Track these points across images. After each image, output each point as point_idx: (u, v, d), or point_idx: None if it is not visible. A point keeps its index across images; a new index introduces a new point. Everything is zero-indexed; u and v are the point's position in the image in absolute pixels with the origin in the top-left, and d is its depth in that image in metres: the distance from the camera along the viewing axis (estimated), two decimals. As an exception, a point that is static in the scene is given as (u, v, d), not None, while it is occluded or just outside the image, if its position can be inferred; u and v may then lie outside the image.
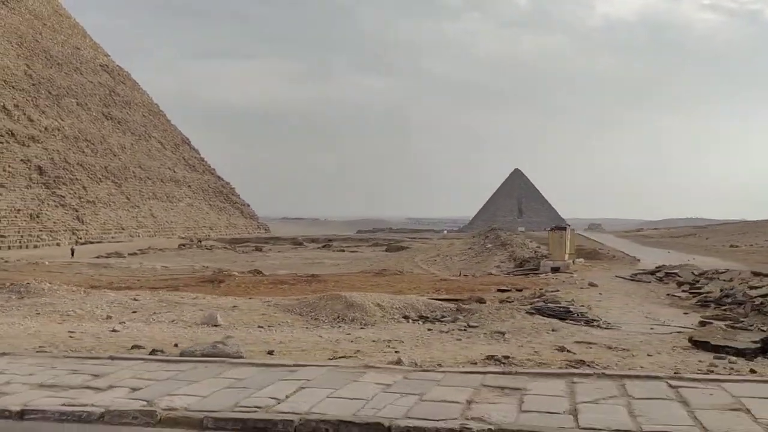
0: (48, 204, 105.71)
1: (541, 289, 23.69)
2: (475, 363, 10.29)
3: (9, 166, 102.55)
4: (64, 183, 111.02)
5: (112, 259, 55.74)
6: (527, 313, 15.79)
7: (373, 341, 12.67)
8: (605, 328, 14.92)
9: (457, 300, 20.48)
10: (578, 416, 7.28)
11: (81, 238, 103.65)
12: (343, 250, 70.07)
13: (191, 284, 29.78)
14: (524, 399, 7.94)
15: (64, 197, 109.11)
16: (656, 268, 35.67)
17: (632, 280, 28.31)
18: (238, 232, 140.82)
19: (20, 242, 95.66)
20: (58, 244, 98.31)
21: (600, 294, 22.73)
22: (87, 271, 40.71)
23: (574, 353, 11.48)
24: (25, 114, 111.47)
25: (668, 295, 22.67)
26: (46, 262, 48.26)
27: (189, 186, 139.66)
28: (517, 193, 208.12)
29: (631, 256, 50.87)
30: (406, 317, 15.99)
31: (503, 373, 9.26)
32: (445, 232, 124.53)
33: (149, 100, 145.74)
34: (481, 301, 20.53)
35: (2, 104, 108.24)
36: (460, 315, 15.87)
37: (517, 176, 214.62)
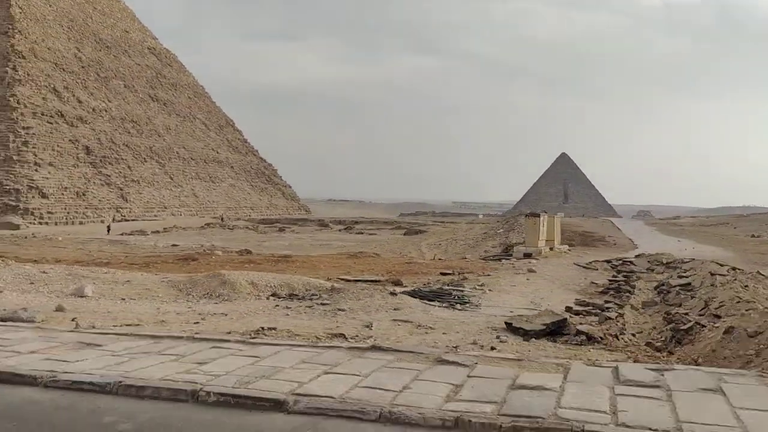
0: (94, 182, 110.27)
1: (472, 273, 24.57)
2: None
3: (58, 145, 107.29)
4: (110, 162, 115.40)
5: (133, 236, 58.53)
6: (390, 294, 16.77)
7: (199, 313, 13.97)
8: (460, 310, 15.83)
9: (371, 281, 21.60)
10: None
11: (124, 216, 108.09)
12: (362, 233, 71.44)
13: (168, 262, 31.52)
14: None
15: (109, 176, 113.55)
16: (636, 256, 36.05)
17: (586, 268, 28.77)
18: (279, 212, 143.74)
19: (66, 219, 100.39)
20: (102, 221, 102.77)
21: (527, 279, 23.48)
22: (95, 248, 43.19)
23: (370, 328, 12.56)
24: (74, 95, 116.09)
25: (591, 282, 23.25)
26: (60, 238, 51.16)
27: (231, 167, 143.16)
28: (564, 177, 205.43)
29: (633, 244, 50.95)
30: (275, 294, 17.19)
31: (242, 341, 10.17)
32: (480, 216, 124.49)
33: (195, 82, 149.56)
34: (398, 283, 21.56)
35: (53, 86, 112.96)
36: (329, 294, 16.98)
37: (563, 160, 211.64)
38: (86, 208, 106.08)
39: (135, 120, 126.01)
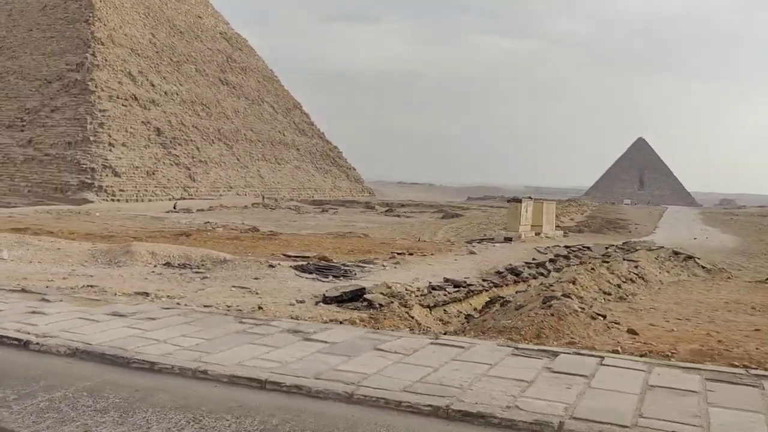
0: (164, 162, 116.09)
1: (414, 253, 25.95)
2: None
3: (131, 127, 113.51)
4: (179, 144, 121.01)
5: (180, 213, 62.34)
6: (269, 266, 18.50)
7: (91, 276, 16.21)
8: (328, 282, 17.50)
9: (302, 257, 23.36)
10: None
11: (191, 195, 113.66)
12: (399, 216, 73.06)
13: (166, 237, 34.25)
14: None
15: (178, 156, 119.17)
16: (623, 243, 36.27)
17: (541, 252, 29.46)
18: (342, 194, 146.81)
19: (137, 196, 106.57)
20: (170, 199, 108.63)
21: (455, 260, 24.74)
22: (120, 224, 46.79)
23: (199, 291, 14.44)
24: (147, 80, 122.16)
25: (509, 265, 24.17)
26: (97, 214, 55.31)
27: (297, 149, 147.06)
28: (640, 163, 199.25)
29: (652, 231, 50.93)
30: (168, 264, 19.25)
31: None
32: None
33: (264, 66, 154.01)
34: (324, 259, 23.26)
35: (128, 71, 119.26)
36: (216, 265, 18.89)
37: (640, 145, 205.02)
38: (155, 186, 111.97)
39: (205, 103, 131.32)
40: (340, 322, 11.70)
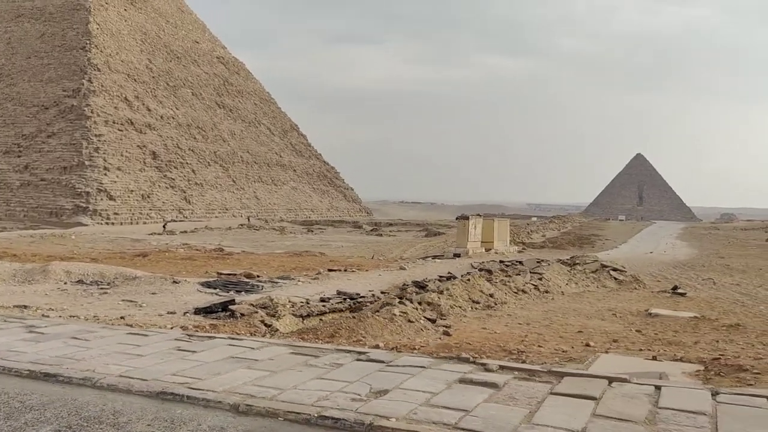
0: (159, 186, 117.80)
1: (345, 270, 26.99)
2: None
3: (126, 151, 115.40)
4: (175, 167, 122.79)
5: (157, 235, 63.64)
6: (174, 282, 19.54)
7: None
8: (225, 295, 18.54)
9: (229, 274, 24.39)
10: None
11: (186, 217, 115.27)
12: (382, 235, 74.07)
13: (125, 257, 35.41)
14: None
15: (174, 179, 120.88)
16: (570, 257, 36.95)
17: (480, 269, 30.30)
18: (340, 214, 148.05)
19: (131, 219, 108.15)
20: (162, 221, 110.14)
21: (379, 276, 25.64)
22: (99, 245, 48.05)
23: (87, 305, 15.48)
24: (144, 104, 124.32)
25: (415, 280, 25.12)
26: (73, 236, 56.66)
27: (294, 170, 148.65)
28: (638, 179, 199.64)
29: (616, 246, 51.67)
30: (80, 281, 20.34)
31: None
32: (534, 219, 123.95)
33: (261, 88, 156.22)
34: (249, 275, 24.28)
35: (125, 96, 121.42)
36: (126, 281, 19.97)
37: (639, 161, 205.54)
38: (150, 209, 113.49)
39: (201, 126, 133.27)
40: (182, 328, 12.71)
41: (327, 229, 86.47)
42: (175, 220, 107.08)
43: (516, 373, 8.65)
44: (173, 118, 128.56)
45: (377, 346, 10.53)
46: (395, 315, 12.59)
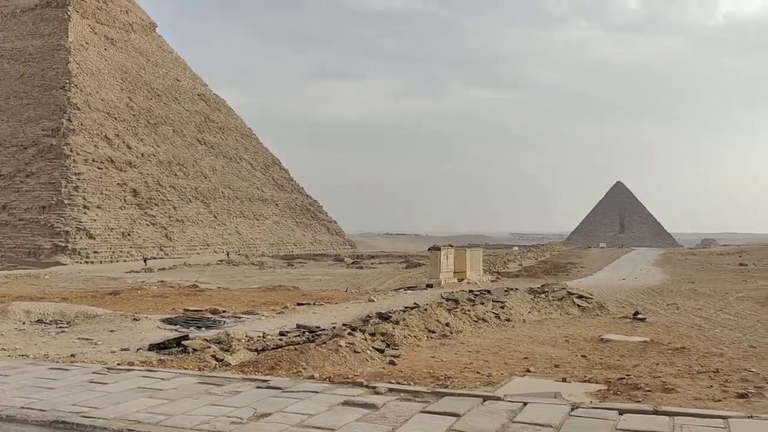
0: (139, 223, 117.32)
1: (314, 303, 27.19)
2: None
3: (106, 189, 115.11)
4: (156, 204, 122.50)
5: (133, 273, 63.47)
6: (134, 320, 19.65)
7: None
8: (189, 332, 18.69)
9: (195, 311, 24.45)
10: None
11: (167, 254, 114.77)
12: (362, 267, 74.26)
13: (96, 296, 35.33)
14: None
15: (154, 216, 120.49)
16: (541, 286, 37.19)
17: (447, 299, 30.53)
18: (323, 248, 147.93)
19: (111, 257, 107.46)
20: (143, 259, 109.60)
21: (346, 308, 25.84)
22: (72, 285, 47.90)
23: (42, 343, 15.53)
24: (124, 142, 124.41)
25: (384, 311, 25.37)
26: (47, 276, 56.43)
27: (276, 204, 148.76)
28: (619, 206, 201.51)
29: (590, 274, 52.05)
30: (39, 320, 20.41)
31: None
32: (515, 249, 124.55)
33: (243, 124, 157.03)
34: (215, 311, 24.35)
35: (105, 134, 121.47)
36: (86, 320, 20.04)
37: (619, 189, 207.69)
38: (131, 247, 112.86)
39: (182, 163, 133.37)
40: (130, 363, 12.83)
41: (308, 263, 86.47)
42: (155, 257, 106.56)
43: (402, 394, 9.10)
44: (154, 155, 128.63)
45: (312, 377, 10.72)
46: (341, 346, 12.79)
